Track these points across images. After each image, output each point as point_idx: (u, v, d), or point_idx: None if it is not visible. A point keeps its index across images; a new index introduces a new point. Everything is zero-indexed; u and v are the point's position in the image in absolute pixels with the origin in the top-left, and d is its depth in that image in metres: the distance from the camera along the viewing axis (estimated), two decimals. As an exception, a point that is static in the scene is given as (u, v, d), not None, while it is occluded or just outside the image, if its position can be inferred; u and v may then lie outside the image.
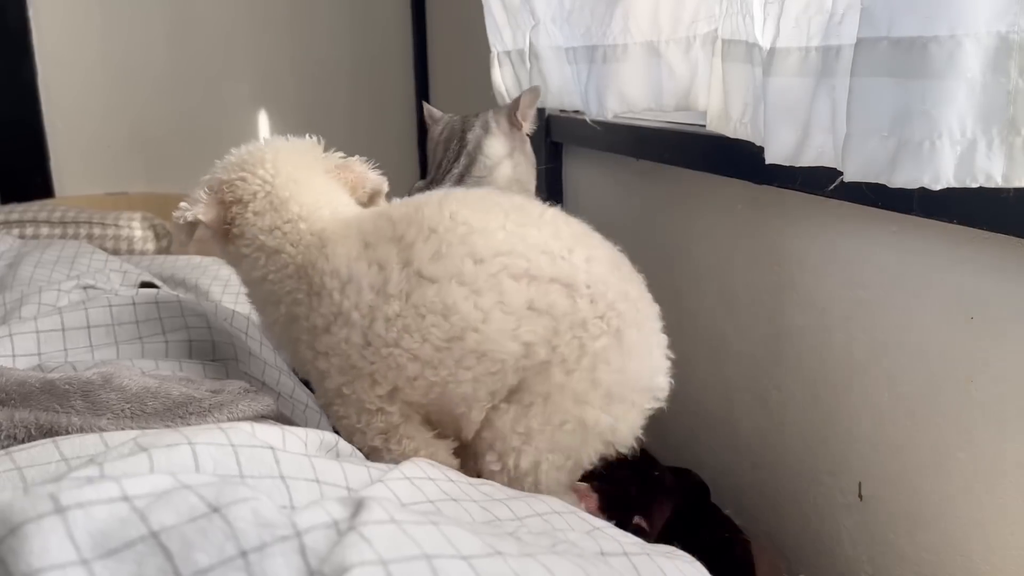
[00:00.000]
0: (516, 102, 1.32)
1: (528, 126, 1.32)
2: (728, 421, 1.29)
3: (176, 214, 0.94)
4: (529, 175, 1.33)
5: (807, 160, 0.89)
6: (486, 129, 1.30)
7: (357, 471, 0.61)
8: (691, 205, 1.34)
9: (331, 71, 2.67)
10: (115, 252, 1.90)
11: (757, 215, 1.18)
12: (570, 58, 1.45)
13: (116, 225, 1.91)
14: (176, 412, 0.70)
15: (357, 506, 0.42)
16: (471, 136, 1.30)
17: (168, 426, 0.68)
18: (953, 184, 0.72)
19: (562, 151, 1.79)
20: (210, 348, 1.04)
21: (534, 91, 1.32)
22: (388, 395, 0.87)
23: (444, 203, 0.87)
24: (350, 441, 0.90)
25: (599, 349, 0.87)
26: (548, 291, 0.85)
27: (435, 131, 1.37)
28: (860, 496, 1.03)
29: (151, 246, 1.94)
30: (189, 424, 0.69)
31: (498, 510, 0.65)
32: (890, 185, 0.75)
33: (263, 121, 2.65)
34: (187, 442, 0.53)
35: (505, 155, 1.29)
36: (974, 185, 0.72)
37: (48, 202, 2.06)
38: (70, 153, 2.52)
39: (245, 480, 0.53)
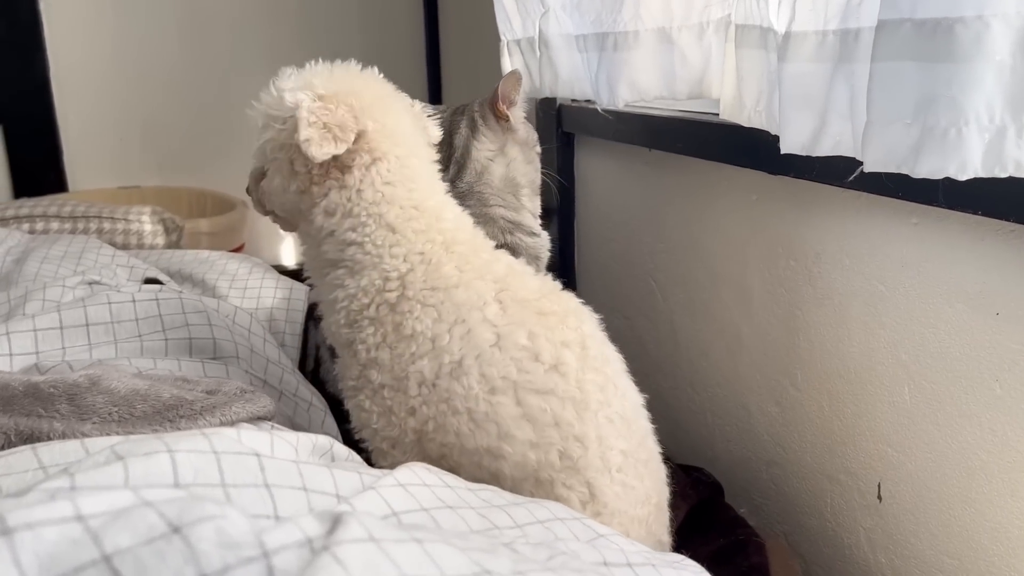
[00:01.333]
0: (496, 91, 1.21)
1: (517, 113, 1.21)
2: (743, 417, 1.25)
3: (312, 141, 0.80)
4: (526, 169, 1.22)
5: (824, 150, 0.85)
6: (472, 129, 1.20)
7: (349, 477, 0.58)
8: (705, 196, 1.30)
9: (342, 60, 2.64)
10: (125, 246, 1.88)
11: (772, 206, 1.14)
12: (580, 46, 1.41)
13: (126, 219, 1.90)
14: (166, 415, 0.68)
15: (334, 522, 0.39)
16: (458, 140, 1.20)
17: (156, 430, 0.66)
18: (981, 174, 0.68)
19: (574, 141, 1.75)
20: (211, 346, 1.02)
21: (513, 76, 1.20)
22: (414, 429, 0.84)
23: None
24: (357, 430, 0.88)
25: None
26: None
27: None
28: (879, 497, 1.00)
29: (161, 240, 1.92)
30: (179, 428, 0.67)
31: (497, 517, 0.63)
32: (913, 175, 0.71)
33: (275, 113, 2.63)
34: (166, 450, 0.50)
35: (496, 153, 1.19)
36: (1003, 175, 0.68)
37: (58, 197, 2.05)
38: (83, 147, 2.52)
39: (227, 489, 0.51)
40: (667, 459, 1.24)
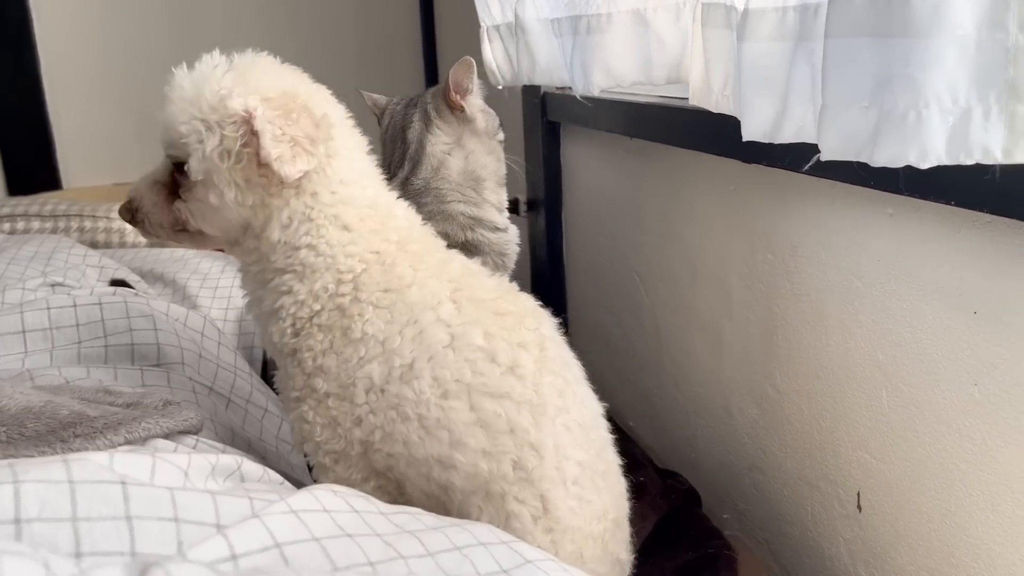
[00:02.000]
0: (447, 81, 1.16)
1: (472, 102, 1.15)
2: (725, 419, 1.19)
3: (284, 159, 0.74)
4: (487, 160, 1.16)
5: (786, 136, 0.79)
6: (426, 122, 1.15)
7: (236, 504, 0.54)
8: (684, 187, 1.24)
9: (337, 54, 2.59)
10: (107, 245, 1.86)
11: (749, 197, 1.07)
12: (556, 30, 1.35)
13: (108, 218, 1.87)
14: (59, 435, 0.63)
15: (141, 573, 0.35)
16: (411, 134, 1.15)
17: (44, 452, 0.61)
18: (945, 161, 0.62)
19: (560, 131, 1.69)
20: (155, 352, 0.98)
21: (464, 63, 1.14)
22: (360, 440, 0.80)
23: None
24: (298, 444, 0.83)
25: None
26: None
27: (382, 124, 1.23)
28: (859, 507, 0.93)
29: (143, 239, 1.89)
30: (71, 448, 0.63)
31: (405, 545, 0.57)
32: (872, 164, 0.65)
33: (269, 107, 2.59)
34: (12, 480, 0.46)
35: (452, 146, 1.14)
36: (969, 162, 0.61)
37: (40, 196, 2.03)
38: (76, 145, 2.49)
39: (77, 523, 0.46)
40: (643, 464, 1.19)
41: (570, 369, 0.85)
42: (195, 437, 0.77)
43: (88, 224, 1.87)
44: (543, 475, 0.77)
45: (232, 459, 0.63)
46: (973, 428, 0.77)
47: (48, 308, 0.97)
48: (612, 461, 0.86)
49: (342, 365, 0.79)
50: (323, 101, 0.84)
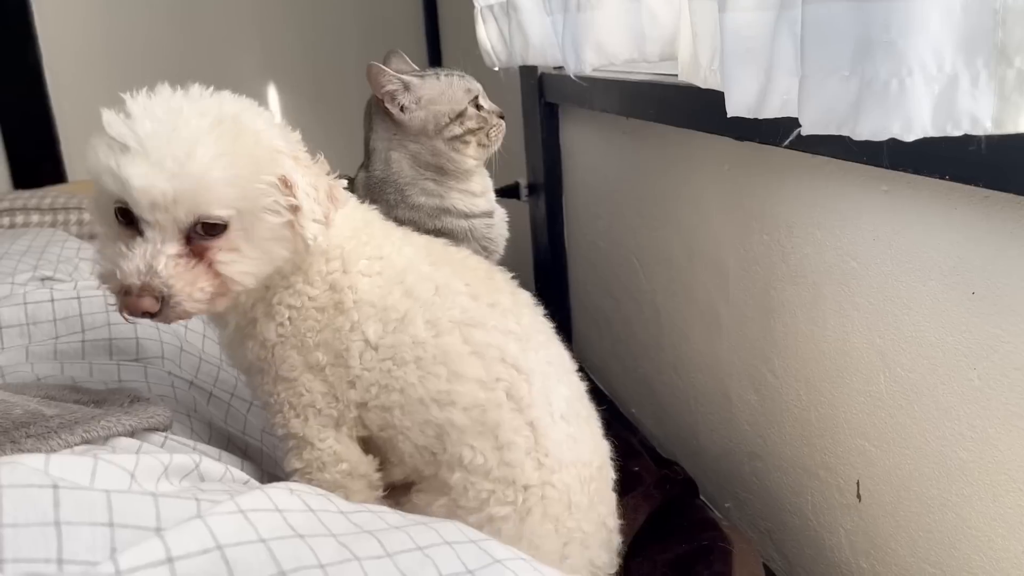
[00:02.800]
0: None
1: (395, 109, 1.09)
2: (724, 405, 1.16)
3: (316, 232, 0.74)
4: (434, 158, 1.11)
5: (771, 110, 0.75)
6: (369, 118, 1.13)
7: (180, 506, 0.51)
8: (680, 167, 1.20)
9: (340, 39, 2.57)
10: (106, 237, 1.85)
11: (743, 176, 1.03)
12: (547, 7, 1.31)
13: (106, 210, 1.86)
14: (10, 435, 0.61)
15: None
16: (366, 127, 1.14)
17: (-9, 452, 0.59)
18: (931, 133, 0.58)
19: (558, 112, 1.65)
20: (133, 346, 0.96)
21: (370, 69, 1.09)
22: (355, 403, 0.81)
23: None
24: (284, 422, 0.82)
25: (495, 514, 0.80)
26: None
27: None
28: (858, 496, 0.90)
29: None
30: (22, 449, 0.61)
31: (362, 546, 0.55)
32: (854, 137, 0.61)
33: (272, 94, 2.57)
34: (-69, 487, 0.44)
35: (393, 143, 1.10)
36: (956, 133, 0.57)
37: (40, 190, 2.02)
38: (81, 137, 2.48)
39: (2, 529, 0.44)
40: (639, 453, 1.16)
41: (540, 314, 0.90)
42: (163, 435, 0.75)
43: (87, 217, 1.86)
44: (532, 402, 0.81)
45: (188, 458, 0.61)
46: (972, 415, 0.73)
47: (25, 303, 0.96)
48: (592, 410, 0.89)
49: (335, 335, 0.80)
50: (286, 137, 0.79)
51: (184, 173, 0.66)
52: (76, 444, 0.64)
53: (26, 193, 1.93)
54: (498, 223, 1.15)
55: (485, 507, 0.79)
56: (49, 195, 1.90)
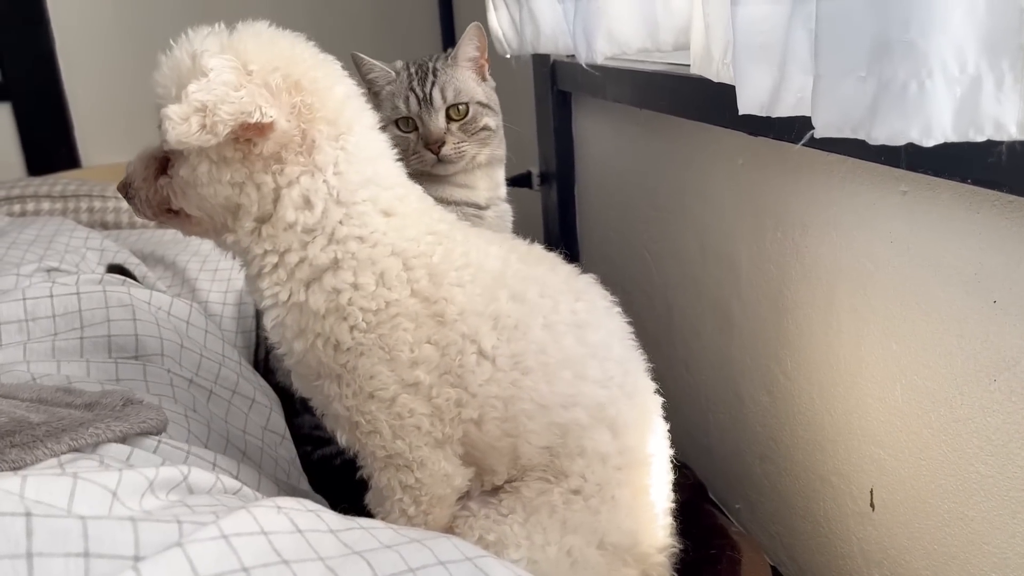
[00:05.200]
0: None
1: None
2: (735, 405, 1.13)
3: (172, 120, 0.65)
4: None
5: (785, 108, 0.71)
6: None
7: (160, 531, 0.50)
8: (693, 160, 1.17)
9: (353, 24, 2.54)
10: (116, 226, 1.84)
11: (758, 171, 1.00)
12: (559, -5, 1.27)
13: (116, 198, 1.85)
14: (-6, 444, 0.60)
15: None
16: None
17: (-26, 464, 0.58)
18: (952, 138, 0.55)
19: (571, 100, 1.62)
20: (132, 344, 0.95)
21: (354, 56, 1.12)
22: (470, 420, 0.78)
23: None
24: (379, 441, 0.78)
25: (617, 496, 0.80)
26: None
27: None
28: (872, 505, 0.87)
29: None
30: (6, 459, 0.59)
31: (350, 570, 0.53)
32: (870, 141, 0.58)
33: (285, 79, 2.55)
34: (-102, 514, 0.42)
35: None
36: (980, 138, 0.54)
37: (51, 176, 2.01)
38: (94, 122, 2.48)
39: (-31, 561, 0.42)
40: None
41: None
42: (157, 439, 0.74)
43: (97, 204, 1.85)
44: (636, 389, 0.84)
45: (176, 470, 0.59)
46: (991, 428, 0.70)
47: (24, 299, 0.94)
48: None
49: (444, 351, 0.76)
50: (336, 72, 0.77)
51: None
52: (63, 452, 0.63)
53: (37, 180, 1.92)
54: (502, 215, 1.13)
55: (605, 490, 0.79)
56: (60, 182, 1.90)
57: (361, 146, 0.75)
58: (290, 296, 0.75)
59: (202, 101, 0.66)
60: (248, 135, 0.70)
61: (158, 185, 0.77)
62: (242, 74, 0.68)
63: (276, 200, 0.74)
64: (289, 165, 0.73)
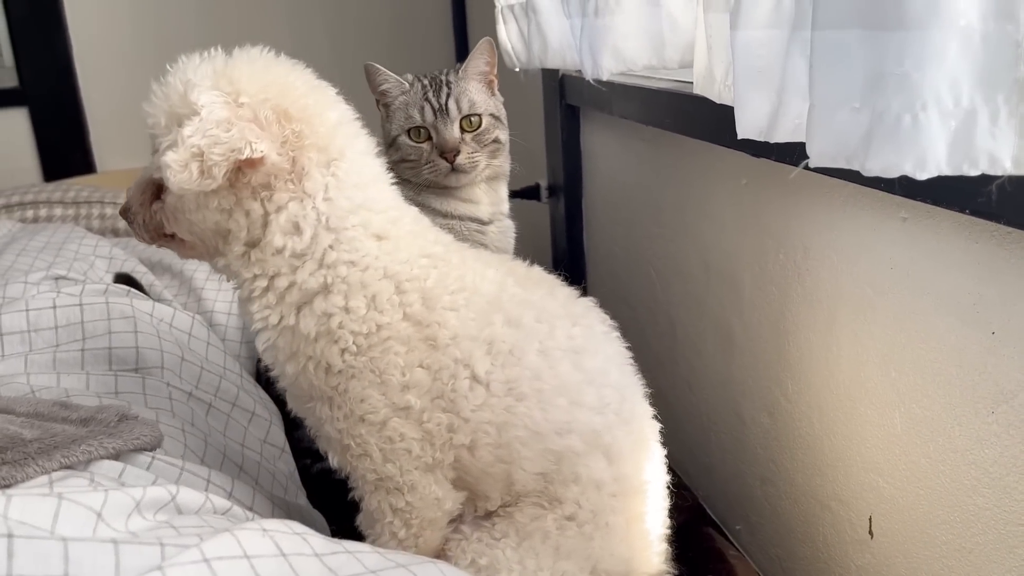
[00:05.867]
0: None
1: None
2: (737, 426, 1.12)
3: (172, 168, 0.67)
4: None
5: (783, 134, 0.71)
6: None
7: (141, 554, 0.50)
8: (698, 179, 1.16)
9: (368, 32, 2.55)
10: (127, 233, 1.84)
11: (761, 192, 0.99)
12: (566, 10, 1.27)
13: (127, 204, 1.86)
14: (-14, 461, 0.60)
15: None
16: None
17: (-36, 481, 0.58)
18: (946, 171, 0.54)
19: (579, 115, 1.62)
20: (133, 356, 0.95)
21: (367, 67, 1.18)
22: (462, 445, 0.77)
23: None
24: (369, 464, 0.78)
25: (611, 522, 0.80)
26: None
27: None
28: (871, 532, 0.86)
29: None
30: (-3, 475, 0.60)
31: (331, 594, 0.53)
32: (864, 172, 0.57)
33: (298, 87, 2.57)
34: None
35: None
36: (974, 172, 0.54)
37: (64, 182, 2.03)
38: (110, 127, 2.50)
39: (-52, 585, 0.43)
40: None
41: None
42: (151, 455, 0.74)
43: (109, 211, 1.86)
44: (633, 415, 0.84)
45: (164, 491, 0.60)
46: (989, 460, 0.69)
47: (27, 310, 0.95)
48: None
49: (436, 375, 0.76)
50: (328, 98, 0.78)
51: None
52: (55, 470, 0.63)
53: (50, 186, 1.94)
54: (504, 229, 1.13)
55: (599, 517, 0.79)
56: (72, 188, 1.92)
57: (352, 172, 0.75)
58: (280, 319, 0.75)
59: (198, 146, 0.67)
60: (241, 167, 0.71)
61: (152, 210, 0.79)
62: (233, 108, 0.69)
63: (265, 226, 0.74)
64: (278, 192, 0.73)
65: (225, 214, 0.74)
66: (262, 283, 0.75)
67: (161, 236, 0.81)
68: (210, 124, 0.67)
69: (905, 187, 0.68)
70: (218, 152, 0.67)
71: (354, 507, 0.85)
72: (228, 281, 0.80)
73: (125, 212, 0.81)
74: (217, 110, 0.68)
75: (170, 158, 0.66)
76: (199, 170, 0.67)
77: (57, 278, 1.26)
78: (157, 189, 0.78)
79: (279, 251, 0.74)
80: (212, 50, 0.75)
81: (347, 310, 0.74)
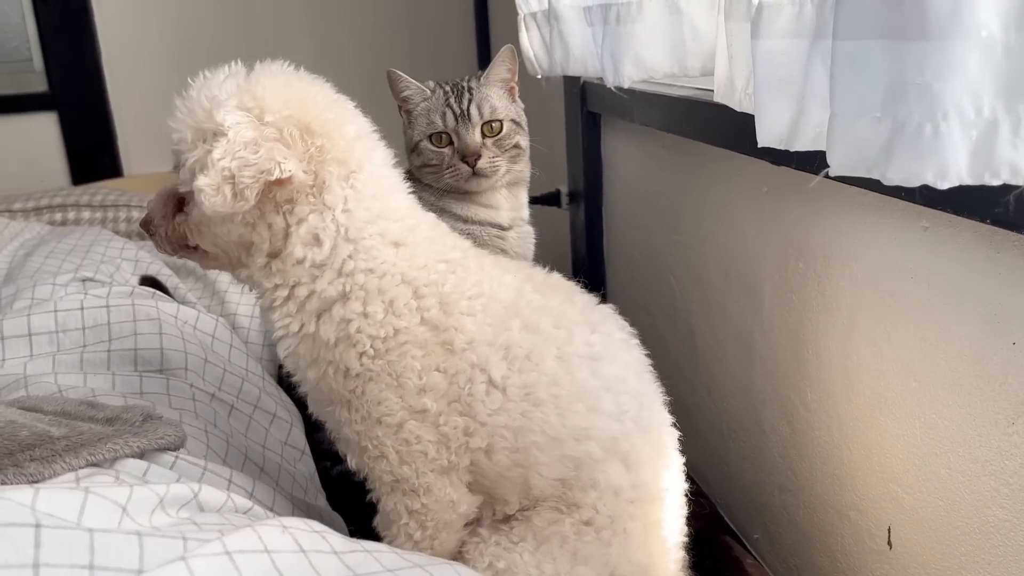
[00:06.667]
0: None
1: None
2: (756, 434, 1.12)
3: (206, 192, 0.68)
4: None
5: (803, 142, 0.71)
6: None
7: (164, 546, 0.51)
8: (718, 186, 1.16)
9: (390, 39, 2.57)
10: (153, 235, 1.88)
11: (781, 200, 0.99)
12: (588, 18, 1.28)
13: (153, 208, 1.89)
14: (15, 458, 0.62)
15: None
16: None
17: (-4, 476, 0.60)
18: (967, 181, 0.54)
19: (600, 122, 1.62)
20: (158, 357, 0.97)
21: (389, 74, 1.20)
22: (478, 449, 0.78)
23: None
24: (385, 466, 0.79)
25: (629, 529, 0.80)
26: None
27: None
28: (889, 543, 0.86)
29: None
30: (25, 472, 0.61)
31: (350, 592, 0.54)
32: (885, 182, 0.57)
33: (322, 93, 2.59)
34: (-86, 527, 0.44)
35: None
36: (995, 182, 0.53)
37: (92, 185, 2.07)
38: (137, 131, 2.54)
39: (-21, 574, 0.44)
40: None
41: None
42: (174, 454, 0.76)
43: (136, 214, 1.89)
44: (651, 423, 0.83)
45: (187, 488, 0.61)
46: (1010, 472, 0.69)
47: (55, 311, 0.97)
48: None
49: (452, 379, 0.77)
50: (347, 111, 0.79)
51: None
52: (81, 467, 0.65)
53: (78, 189, 1.97)
54: (524, 236, 1.14)
55: (617, 523, 0.79)
56: (100, 191, 1.94)
57: (371, 183, 0.77)
58: (301, 327, 0.76)
59: (228, 168, 0.69)
60: (269, 187, 0.72)
61: (175, 223, 0.80)
62: (259, 127, 0.70)
63: (286, 237, 0.76)
64: (299, 205, 0.75)
65: (249, 227, 0.76)
66: (283, 292, 0.77)
67: (183, 248, 0.82)
68: (238, 146, 0.68)
69: (926, 196, 0.68)
70: (248, 174, 0.68)
71: (372, 509, 0.86)
72: (250, 291, 0.81)
73: (147, 225, 0.82)
74: (244, 131, 0.69)
75: (203, 182, 0.68)
76: (232, 192, 0.68)
77: (84, 280, 1.28)
78: (179, 202, 0.80)
79: (299, 262, 0.76)
80: (234, 64, 0.76)
81: (365, 315, 0.75)
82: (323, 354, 0.76)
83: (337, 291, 0.76)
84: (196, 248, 0.81)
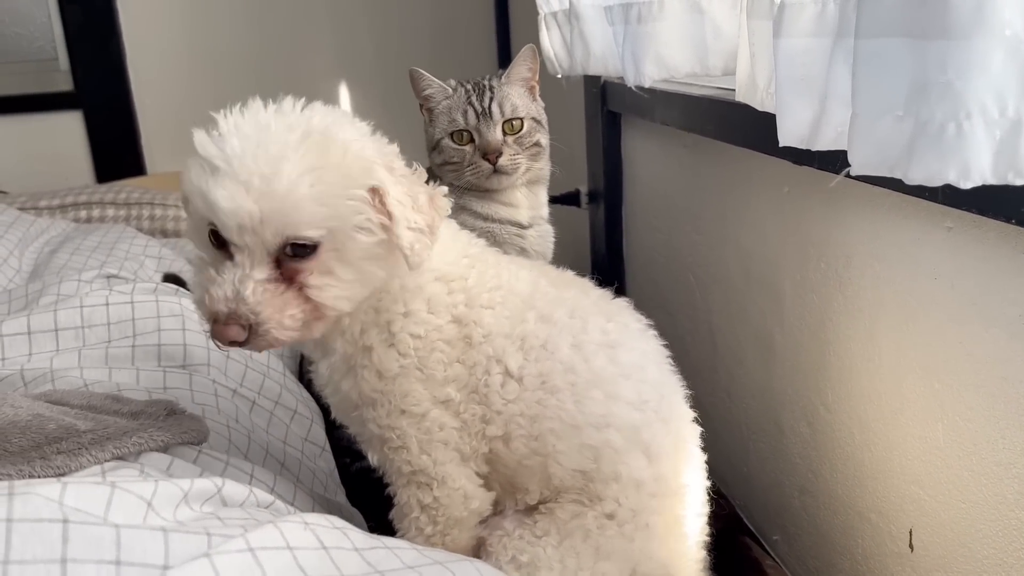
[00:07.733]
0: None
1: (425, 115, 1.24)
2: (776, 435, 1.12)
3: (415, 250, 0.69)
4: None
5: (825, 142, 0.71)
6: None
7: (189, 542, 0.51)
8: (739, 186, 1.16)
9: (411, 39, 2.58)
10: (175, 234, 1.90)
11: (802, 200, 0.99)
12: (609, 18, 1.28)
13: (176, 206, 1.91)
14: (42, 451, 0.63)
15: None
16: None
17: (22, 470, 0.61)
18: (990, 181, 0.54)
19: (620, 121, 1.62)
20: (181, 353, 0.98)
21: (412, 72, 1.21)
22: (497, 437, 0.78)
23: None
24: (405, 456, 0.78)
25: (651, 523, 0.80)
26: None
27: None
28: (911, 546, 0.85)
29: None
30: (52, 465, 0.62)
31: (370, 588, 0.54)
32: (907, 181, 0.57)
33: (344, 93, 2.60)
34: (-56, 518, 0.45)
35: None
36: (1019, 182, 0.53)
37: (116, 183, 2.09)
38: (160, 130, 2.56)
39: (7, 566, 0.45)
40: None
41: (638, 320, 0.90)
42: (197, 448, 0.77)
43: (159, 212, 1.92)
44: (672, 415, 0.83)
45: (210, 483, 0.61)
46: (1033, 475, 0.68)
47: (81, 306, 0.98)
48: None
49: (469, 370, 0.78)
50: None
51: (270, 192, 0.63)
52: (106, 460, 0.66)
53: (103, 187, 2.00)
54: (543, 234, 1.14)
55: (639, 517, 0.79)
56: (124, 189, 1.97)
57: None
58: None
59: (416, 222, 0.70)
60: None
61: (297, 294, 0.68)
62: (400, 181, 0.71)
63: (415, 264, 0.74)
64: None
65: (382, 266, 0.74)
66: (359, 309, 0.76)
67: (315, 319, 0.70)
68: (406, 202, 0.69)
69: (949, 196, 0.67)
70: (422, 220, 0.70)
71: (391, 504, 0.86)
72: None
73: (249, 328, 0.66)
74: (395, 189, 0.69)
75: (409, 239, 0.69)
76: (423, 244, 0.70)
77: (109, 276, 1.30)
78: (276, 261, 0.67)
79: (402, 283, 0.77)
80: (319, 103, 0.72)
81: (407, 314, 0.76)
82: (359, 360, 0.76)
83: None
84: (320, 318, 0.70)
